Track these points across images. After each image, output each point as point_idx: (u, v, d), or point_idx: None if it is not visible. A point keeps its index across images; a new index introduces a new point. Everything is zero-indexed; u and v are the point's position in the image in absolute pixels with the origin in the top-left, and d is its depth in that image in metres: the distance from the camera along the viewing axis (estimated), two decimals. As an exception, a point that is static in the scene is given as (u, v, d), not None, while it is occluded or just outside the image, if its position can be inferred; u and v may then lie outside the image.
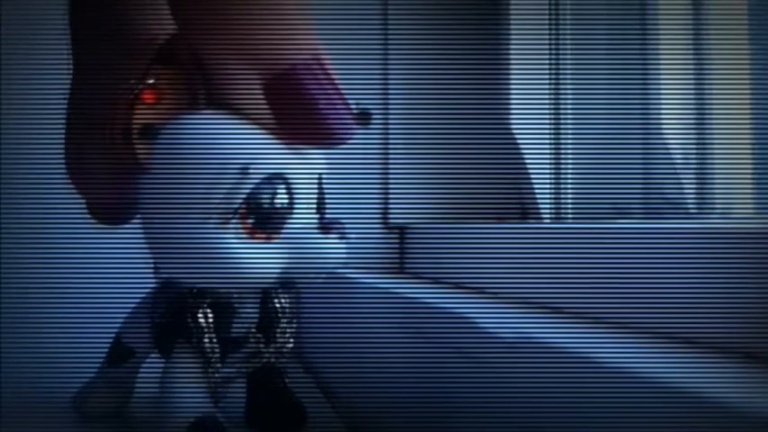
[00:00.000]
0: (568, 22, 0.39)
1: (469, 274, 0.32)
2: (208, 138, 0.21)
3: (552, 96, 0.39)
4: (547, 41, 0.39)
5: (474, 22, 0.41)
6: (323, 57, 0.20)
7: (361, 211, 0.41)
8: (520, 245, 0.28)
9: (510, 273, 0.28)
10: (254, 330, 0.26)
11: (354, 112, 0.21)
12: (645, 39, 0.36)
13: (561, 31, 0.39)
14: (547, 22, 0.39)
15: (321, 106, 0.20)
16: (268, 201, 0.21)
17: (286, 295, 0.27)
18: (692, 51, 0.35)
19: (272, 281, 0.22)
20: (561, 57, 0.39)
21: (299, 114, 0.20)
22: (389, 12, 0.41)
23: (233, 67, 0.20)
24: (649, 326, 0.20)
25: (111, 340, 0.30)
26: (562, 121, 0.39)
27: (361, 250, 0.41)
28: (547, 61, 0.39)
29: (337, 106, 0.20)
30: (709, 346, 0.18)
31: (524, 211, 0.40)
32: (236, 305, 0.25)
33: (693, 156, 0.34)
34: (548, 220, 0.38)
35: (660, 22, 0.36)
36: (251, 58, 0.19)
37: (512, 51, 0.39)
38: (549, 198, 0.39)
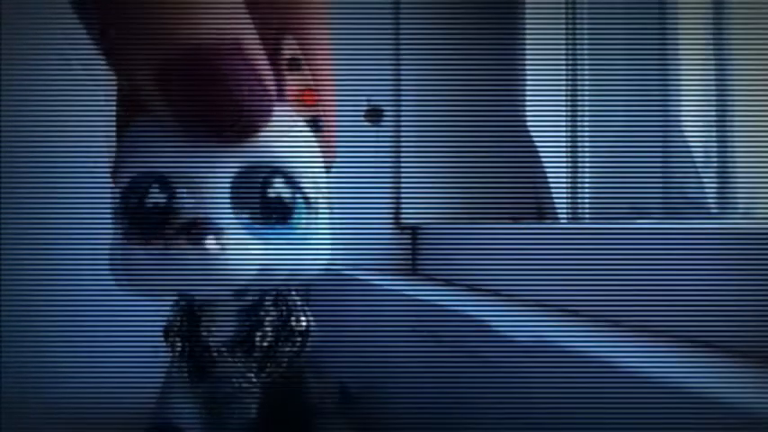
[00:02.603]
0: (585, 16, 0.38)
1: (484, 276, 0.32)
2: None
3: (569, 93, 0.38)
4: (564, 36, 0.38)
5: (489, 17, 0.41)
6: (243, 40, 0.18)
7: (372, 210, 0.40)
8: (535, 246, 0.28)
9: (525, 274, 0.28)
10: (228, 341, 0.22)
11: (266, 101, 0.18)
12: (664, 34, 0.36)
13: (578, 26, 0.38)
14: (564, 16, 0.38)
15: (217, 95, 0.17)
16: (134, 203, 0.18)
17: (285, 306, 0.23)
18: (712, 47, 0.35)
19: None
20: (578, 52, 0.38)
21: (186, 104, 0.18)
22: (402, 7, 0.41)
23: (138, 53, 0.18)
24: (669, 329, 0.20)
25: (113, 342, 0.30)
26: (579, 119, 0.38)
27: (372, 251, 0.40)
28: (563, 57, 0.38)
29: (245, 96, 0.17)
30: (733, 351, 0.18)
31: (540, 211, 0.39)
32: (205, 309, 0.22)
33: (715, 154, 0.34)
34: (564, 221, 0.38)
35: (680, 17, 0.36)
36: (146, 42, 0.17)
37: (527, 47, 0.38)
38: (566, 198, 0.38)
